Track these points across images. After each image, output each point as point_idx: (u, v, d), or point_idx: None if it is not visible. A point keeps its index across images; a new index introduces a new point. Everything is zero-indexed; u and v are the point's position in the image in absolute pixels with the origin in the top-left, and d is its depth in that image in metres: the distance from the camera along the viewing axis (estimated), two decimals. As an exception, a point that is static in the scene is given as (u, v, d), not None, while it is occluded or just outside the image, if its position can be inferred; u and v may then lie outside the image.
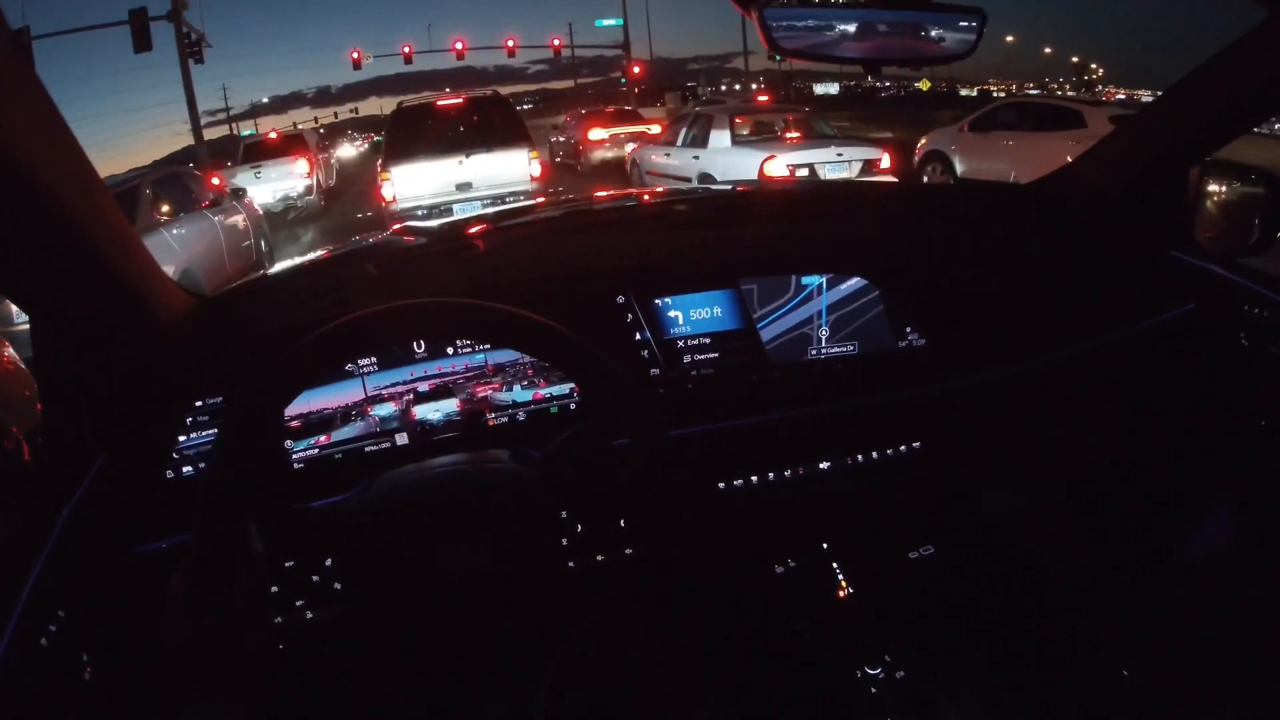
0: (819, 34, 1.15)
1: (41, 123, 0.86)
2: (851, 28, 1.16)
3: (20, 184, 0.83)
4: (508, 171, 9.70)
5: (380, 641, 1.15)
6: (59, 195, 0.88)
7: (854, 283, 1.59)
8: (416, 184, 9.54)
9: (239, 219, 9.44)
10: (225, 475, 0.83)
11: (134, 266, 1.10)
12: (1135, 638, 1.47)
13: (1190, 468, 1.59)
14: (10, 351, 1.12)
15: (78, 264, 0.99)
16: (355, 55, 32.83)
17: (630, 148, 15.58)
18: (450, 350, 1.41)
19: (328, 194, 18.86)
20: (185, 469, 1.32)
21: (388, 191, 9.53)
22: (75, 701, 1.02)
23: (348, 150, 37.49)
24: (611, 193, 6.98)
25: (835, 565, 1.48)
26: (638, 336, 1.48)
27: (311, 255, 1.70)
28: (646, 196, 2.66)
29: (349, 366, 1.38)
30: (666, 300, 1.51)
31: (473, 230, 1.59)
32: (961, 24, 1.21)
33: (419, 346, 1.40)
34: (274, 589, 1.17)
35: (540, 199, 8.87)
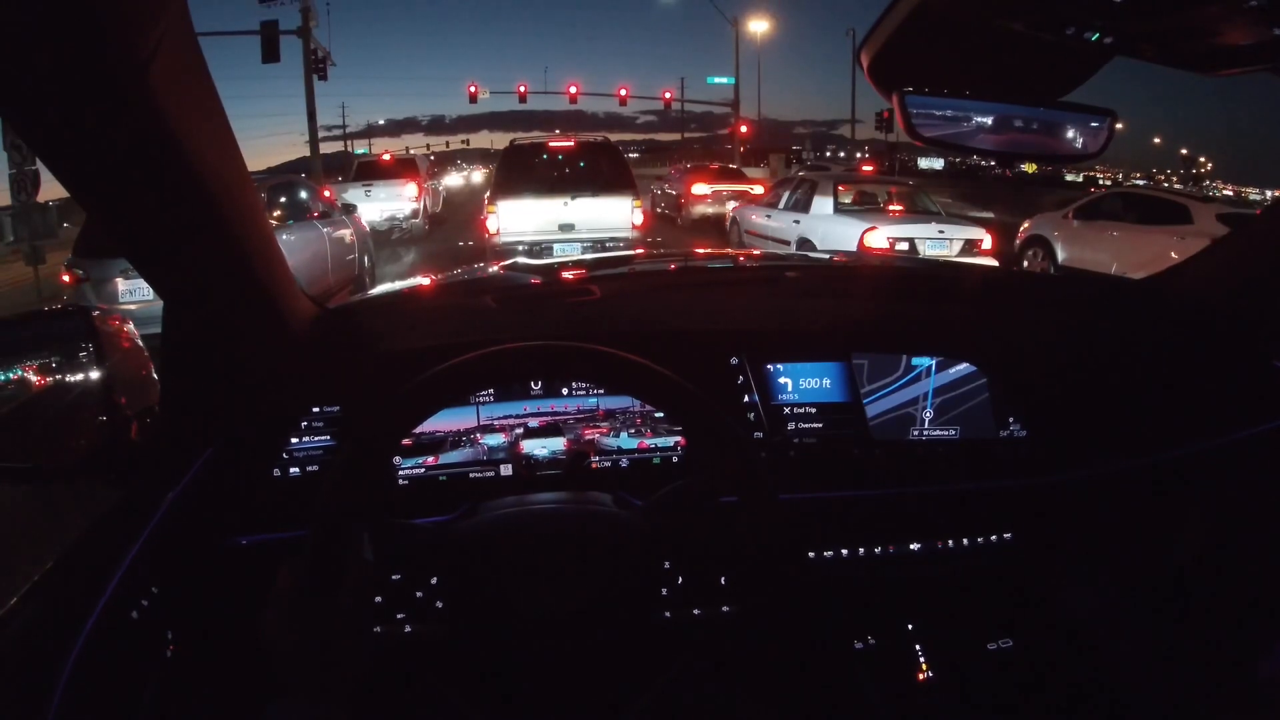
0: (956, 124, 1.17)
1: (212, 125, 0.92)
2: (988, 120, 1.18)
3: (186, 179, 0.89)
4: (611, 217, 9.81)
5: (471, 666, 1.17)
6: (218, 195, 0.94)
7: (963, 368, 1.59)
8: (521, 220, 9.70)
9: (346, 233, 9.77)
10: (349, 484, 0.87)
11: (271, 270, 1.15)
12: None
13: (1273, 583, 1.53)
14: (130, 328, 1.19)
15: (222, 260, 1.04)
16: (472, 89, 34.00)
17: (731, 205, 15.73)
18: (565, 390, 1.44)
19: (432, 220, 19.37)
20: (292, 470, 1.37)
21: (492, 224, 9.70)
22: (154, 675, 1.07)
23: (455, 179, 38.50)
24: (711, 250, 7.07)
25: (917, 647, 1.46)
26: (746, 399, 1.49)
27: (427, 280, 1.75)
28: (748, 259, 2.69)
29: None
30: (779, 366, 1.52)
31: (588, 275, 1.62)
32: (1093, 124, 1.22)
33: (535, 383, 1.43)
34: (378, 599, 1.20)
35: (640, 249, 9.00)
